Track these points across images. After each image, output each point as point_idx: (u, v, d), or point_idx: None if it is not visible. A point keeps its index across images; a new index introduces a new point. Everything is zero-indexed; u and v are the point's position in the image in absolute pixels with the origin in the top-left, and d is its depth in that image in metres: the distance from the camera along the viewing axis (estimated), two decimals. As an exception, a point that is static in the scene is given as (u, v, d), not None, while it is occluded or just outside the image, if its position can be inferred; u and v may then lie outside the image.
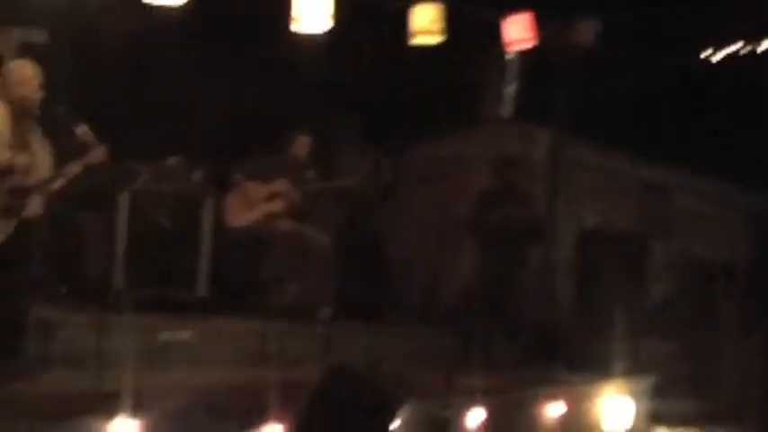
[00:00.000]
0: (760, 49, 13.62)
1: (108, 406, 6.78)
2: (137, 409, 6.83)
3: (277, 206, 10.30)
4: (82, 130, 7.45)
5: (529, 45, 10.72)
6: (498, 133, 13.19)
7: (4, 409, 6.79)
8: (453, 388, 8.66)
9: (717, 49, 13.85)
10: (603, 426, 10.39)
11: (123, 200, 9.76)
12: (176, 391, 7.61)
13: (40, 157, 7.37)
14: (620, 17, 11.89)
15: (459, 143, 13.59)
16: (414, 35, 9.90)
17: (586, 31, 11.04)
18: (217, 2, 9.68)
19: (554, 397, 9.68)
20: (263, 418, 7.21)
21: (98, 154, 7.42)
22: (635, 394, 10.68)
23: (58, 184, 7.43)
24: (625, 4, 11.96)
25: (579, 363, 10.71)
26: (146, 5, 8.30)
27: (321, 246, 10.33)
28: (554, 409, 9.65)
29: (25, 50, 10.42)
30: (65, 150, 7.56)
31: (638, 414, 10.67)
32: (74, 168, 7.39)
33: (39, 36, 10.71)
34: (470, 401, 8.71)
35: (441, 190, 13.20)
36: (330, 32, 9.32)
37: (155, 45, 10.23)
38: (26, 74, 7.34)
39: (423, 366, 9.45)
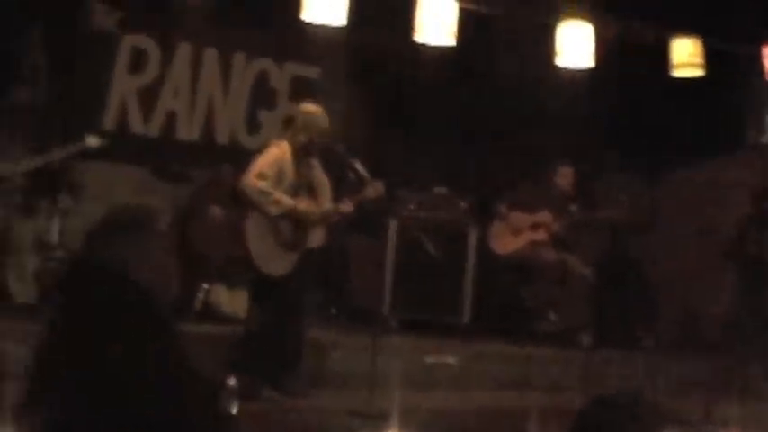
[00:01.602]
0: None
1: (377, 424, 7.11)
2: (404, 429, 7.14)
3: (540, 235, 10.46)
4: (359, 166, 7.81)
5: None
6: (758, 161, 12.95)
7: (280, 422, 7.24)
8: (711, 417, 8.61)
9: None
10: None
11: (392, 227, 10.16)
12: (441, 413, 7.90)
13: (321, 192, 7.82)
14: None
15: (719, 170, 13.40)
16: (674, 68, 9.91)
17: None
18: (479, 41, 9.88)
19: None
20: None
21: (375, 189, 7.78)
22: None
23: (337, 217, 7.85)
24: None
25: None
26: (416, 44, 8.58)
27: (582, 274, 10.43)
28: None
29: (298, 85, 10.97)
30: (343, 184, 7.96)
31: None
32: (352, 203, 7.78)
33: (311, 71, 11.21)
34: (728, 432, 8.66)
35: (700, 217, 13.05)
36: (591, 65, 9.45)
37: (422, 79, 10.51)
38: (312, 121, 7.74)
39: (681, 394, 9.43)
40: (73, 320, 3.40)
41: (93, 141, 8.67)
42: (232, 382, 3.67)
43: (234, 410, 3.64)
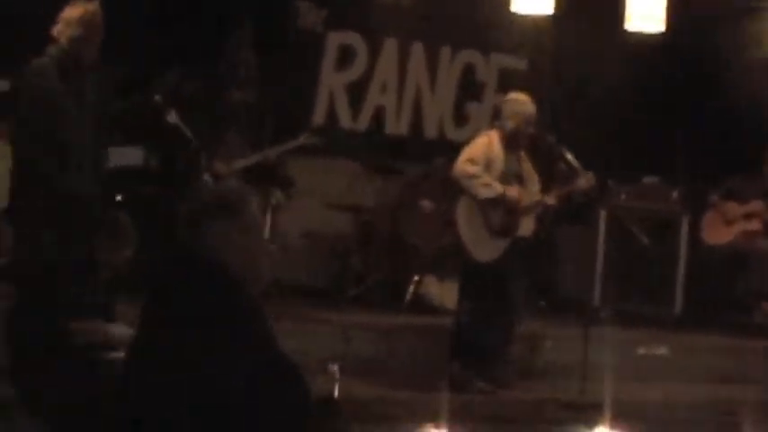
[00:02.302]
0: None
1: (588, 416, 7.07)
2: (616, 421, 7.08)
3: (754, 225, 10.20)
4: (570, 156, 7.80)
5: None
6: None
7: (492, 413, 7.29)
8: None
9: None
10: None
11: (602, 217, 10.06)
12: (653, 405, 7.81)
13: (530, 183, 7.83)
14: None
15: None
16: None
17: None
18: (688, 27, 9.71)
19: None
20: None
21: (587, 180, 7.75)
22: None
23: (544, 208, 7.86)
24: None
25: None
26: (625, 32, 8.49)
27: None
28: None
29: (505, 77, 10.97)
30: (554, 175, 7.95)
31: None
32: (563, 194, 7.79)
33: (519, 62, 11.20)
34: None
35: None
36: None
37: (630, 68, 10.39)
38: (520, 108, 7.73)
39: None
40: (160, 303, 3.44)
41: (307, 138, 8.88)
42: (334, 367, 3.68)
43: (335, 394, 3.64)
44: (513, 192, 7.62)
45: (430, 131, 10.87)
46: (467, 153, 7.69)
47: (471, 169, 7.57)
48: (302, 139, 8.87)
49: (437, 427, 6.77)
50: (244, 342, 3.29)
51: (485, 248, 7.63)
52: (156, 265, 3.76)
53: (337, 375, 3.69)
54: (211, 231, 3.44)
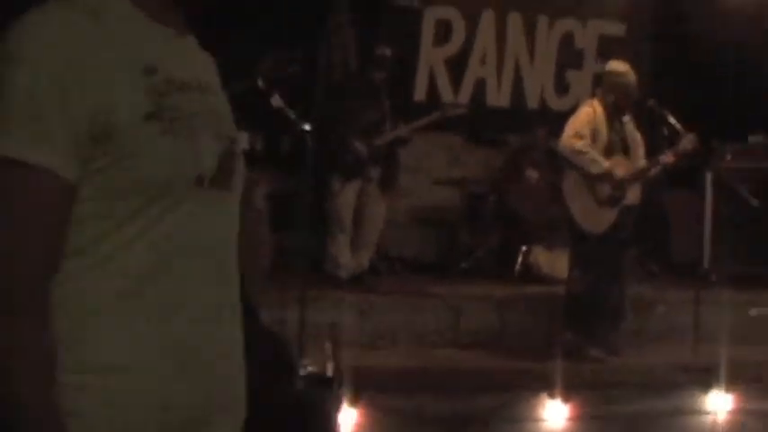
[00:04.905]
0: None
1: (703, 379, 7.07)
2: (731, 383, 7.07)
3: None
4: (672, 120, 7.77)
5: None
6: None
7: (606, 380, 7.31)
8: None
9: None
10: None
11: (708, 179, 9.94)
12: (766, 366, 7.75)
13: (635, 149, 7.82)
14: None
15: None
16: None
17: None
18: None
19: None
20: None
21: (689, 143, 7.70)
22: None
23: (654, 172, 7.84)
24: None
25: None
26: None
27: None
28: None
29: (605, 43, 10.92)
30: (657, 139, 7.92)
31: None
32: (668, 158, 7.74)
33: (617, 28, 11.14)
34: None
35: None
36: None
37: (730, 32, 10.25)
38: (621, 79, 7.66)
39: None
40: None
41: (442, 113, 8.96)
42: (328, 345, 3.61)
43: (329, 371, 3.55)
44: (619, 170, 7.61)
45: (531, 101, 10.88)
46: (572, 126, 7.68)
47: (579, 144, 7.57)
48: (437, 115, 8.94)
49: (552, 395, 6.89)
50: None
51: (594, 220, 7.64)
52: None
53: (329, 353, 3.65)
54: None
